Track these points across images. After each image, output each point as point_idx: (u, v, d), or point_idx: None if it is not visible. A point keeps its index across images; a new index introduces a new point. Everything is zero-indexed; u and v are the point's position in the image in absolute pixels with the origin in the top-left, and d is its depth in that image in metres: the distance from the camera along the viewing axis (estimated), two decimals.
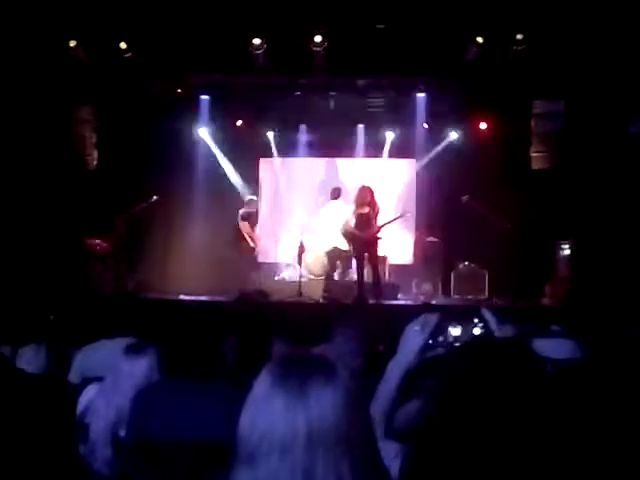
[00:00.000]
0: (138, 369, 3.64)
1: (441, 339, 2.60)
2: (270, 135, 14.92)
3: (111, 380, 3.67)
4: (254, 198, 14.07)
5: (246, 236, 13.42)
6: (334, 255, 13.28)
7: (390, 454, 2.39)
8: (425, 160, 14.70)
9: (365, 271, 12.05)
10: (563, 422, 2.13)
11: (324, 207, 13.75)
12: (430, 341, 2.59)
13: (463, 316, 2.69)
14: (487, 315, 2.64)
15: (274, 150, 15.10)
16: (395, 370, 2.60)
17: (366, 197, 11.83)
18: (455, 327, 2.62)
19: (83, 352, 4.70)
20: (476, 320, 2.65)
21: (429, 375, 2.70)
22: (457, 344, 2.58)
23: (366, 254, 11.90)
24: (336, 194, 13.40)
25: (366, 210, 11.77)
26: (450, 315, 2.68)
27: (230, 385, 3.16)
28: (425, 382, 2.82)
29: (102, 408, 3.56)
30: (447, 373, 2.17)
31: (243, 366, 3.68)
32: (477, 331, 2.63)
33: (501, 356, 2.07)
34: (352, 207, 12.14)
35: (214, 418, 2.99)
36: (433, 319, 2.61)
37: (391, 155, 14.97)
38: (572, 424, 2.35)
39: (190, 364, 3.37)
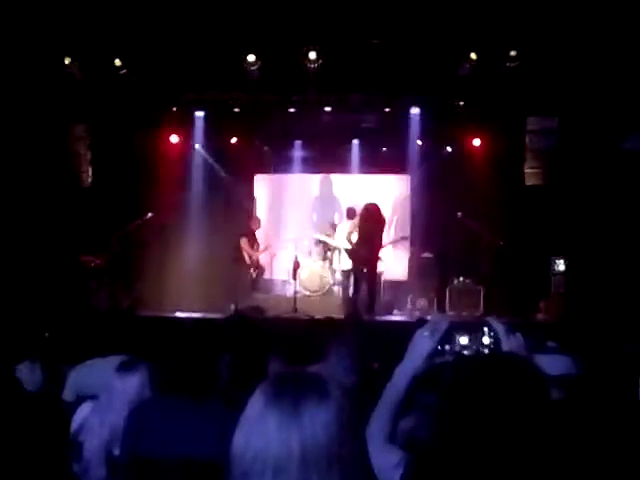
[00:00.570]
0: (130, 386, 3.63)
1: (449, 346, 2.60)
2: (265, 151, 14.92)
3: (104, 398, 3.66)
4: (258, 217, 14.11)
5: (245, 255, 13.42)
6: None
7: (391, 463, 2.39)
8: (419, 176, 14.72)
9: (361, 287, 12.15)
10: (561, 437, 2.14)
11: (340, 225, 13.67)
12: (439, 347, 2.60)
13: (472, 325, 2.69)
14: (496, 325, 2.65)
15: (269, 166, 15.08)
16: (402, 375, 2.60)
17: (372, 214, 11.86)
18: (463, 335, 2.63)
19: (77, 370, 4.70)
20: (485, 329, 2.65)
21: (432, 388, 2.70)
22: (465, 352, 2.58)
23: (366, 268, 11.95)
24: (352, 214, 13.27)
25: (370, 227, 11.78)
26: (459, 323, 2.69)
27: (224, 403, 3.16)
28: (428, 395, 2.82)
29: (96, 426, 3.55)
30: (448, 387, 2.17)
31: (238, 384, 3.67)
32: (486, 340, 2.64)
33: (503, 372, 2.07)
34: (356, 221, 12.16)
35: (208, 436, 2.98)
36: (443, 325, 2.62)
37: (386, 171, 14.99)
38: (570, 438, 2.36)
39: (185, 382, 3.36)
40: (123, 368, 3.73)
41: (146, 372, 3.70)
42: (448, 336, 2.61)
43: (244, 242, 13.44)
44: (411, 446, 2.55)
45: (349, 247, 12.25)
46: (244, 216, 14.10)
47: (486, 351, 2.56)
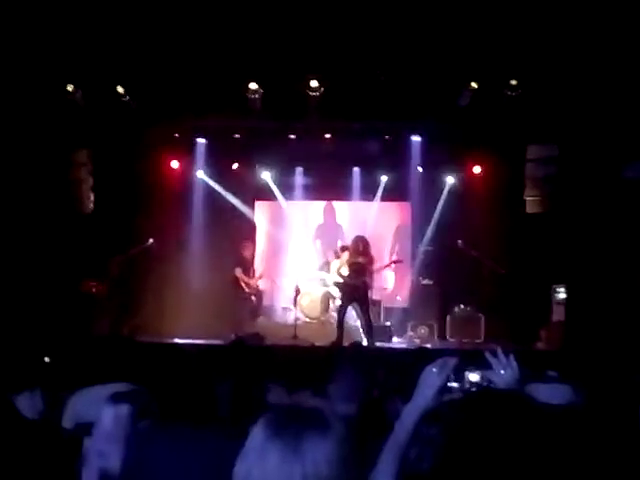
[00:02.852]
0: (120, 416, 3.60)
1: (457, 383, 2.60)
2: (267, 176, 14.90)
3: (97, 428, 3.64)
4: (249, 244, 14.08)
5: (242, 284, 13.41)
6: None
7: None
8: (420, 204, 14.71)
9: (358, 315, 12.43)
10: (561, 467, 2.13)
11: (333, 262, 13.67)
12: (448, 384, 2.59)
13: (479, 359, 2.69)
14: (501, 358, 2.66)
15: (275, 191, 15.06)
16: (411, 413, 2.59)
17: (359, 247, 12.09)
18: (471, 372, 2.62)
19: (76, 397, 4.68)
20: (493, 364, 2.65)
21: (434, 420, 2.70)
22: (473, 388, 2.57)
23: (356, 301, 12.17)
24: (345, 250, 13.40)
25: (360, 260, 12.01)
26: (469, 359, 2.68)
27: (225, 432, 3.14)
28: (430, 427, 2.82)
29: (92, 456, 3.52)
30: (449, 421, 2.17)
31: (238, 412, 3.66)
32: (493, 376, 2.63)
33: (500, 407, 2.06)
34: (346, 256, 12.37)
35: (209, 467, 2.97)
36: (451, 362, 2.61)
37: (387, 198, 14.99)
38: (571, 468, 2.35)
39: (185, 410, 3.35)
40: (113, 398, 3.70)
41: (138, 401, 3.66)
42: (456, 373, 2.61)
43: (239, 272, 13.44)
44: (414, 478, 2.54)
45: (340, 280, 12.44)
46: (237, 245, 14.04)
47: (492, 387, 2.56)
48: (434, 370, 2.60)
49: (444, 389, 2.57)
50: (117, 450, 3.35)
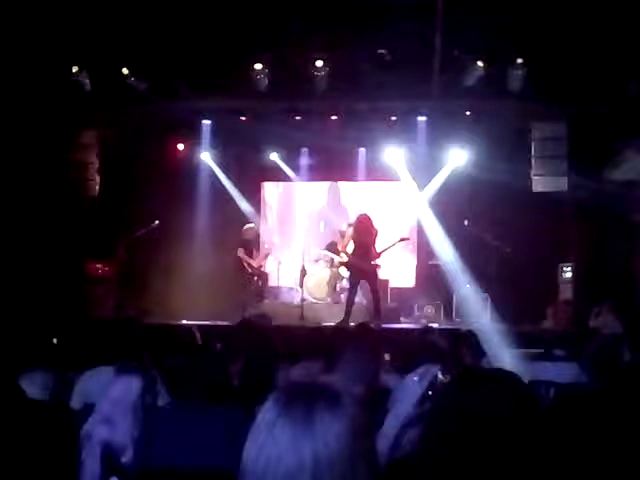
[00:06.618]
0: (131, 386, 3.61)
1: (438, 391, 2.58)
2: (275, 157, 14.88)
3: (103, 405, 3.64)
4: (252, 225, 14.08)
5: (245, 264, 13.42)
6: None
7: None
8: (427, 184, 14.68)
9: (363, 294, 12.48)
10: (565, 446, 2.12)
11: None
12: (429, 392, 2.57)
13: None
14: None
15: (288, 170, 15.05)
16: (393, 423, 2.57)
17: (365, 225, 12.02)
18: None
19: (84, 377, 4.70)
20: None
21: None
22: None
23: (365, 280, 12.13)
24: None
25: (365, 238, 11.94)
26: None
27: (236, 411, 3.16)
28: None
29: (97, 429, 3.53)
30: (437, 407, 2.15)
31: (247, 392, 3.68)
32: None
33: (489, 390, 2.03)
34: (350, 234, 12.31)
35: (219, 445, 2.99)
36: (432, 371, 2.59)
37: (392, 178, 14.96)
38: (576, 447, 2.35)
39: (195, 390, 3.36)
40: (124, 369, 3.71)
41: (146, 376, 3.68)
42: (438, 380, 2.60)
43: (241, 252, 13.45)
44: (401, 463, 2.53)
45: (346, 260, 12.42)
46: (242, 227, 14.04)
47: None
48: (415, 379, 2.58)
49: (425, 398, 2.55)
50: (124, 419, 3.36)
